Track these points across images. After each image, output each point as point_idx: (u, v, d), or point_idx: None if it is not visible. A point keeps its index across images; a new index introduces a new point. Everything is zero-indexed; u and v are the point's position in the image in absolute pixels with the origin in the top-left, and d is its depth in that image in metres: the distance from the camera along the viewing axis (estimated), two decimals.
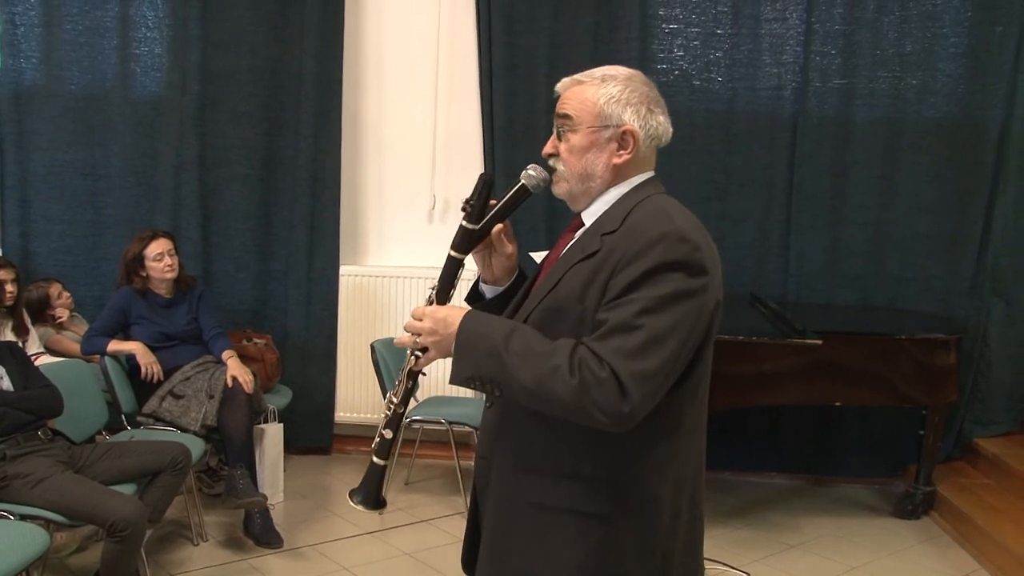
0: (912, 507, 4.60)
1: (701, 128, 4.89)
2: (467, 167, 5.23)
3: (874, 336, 4.42)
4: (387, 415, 1.85)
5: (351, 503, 1.89)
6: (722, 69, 4.95)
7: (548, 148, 1.80)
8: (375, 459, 1.86)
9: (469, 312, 1.71)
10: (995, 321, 4.87)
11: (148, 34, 5.20)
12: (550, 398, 1.57)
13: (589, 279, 1.64)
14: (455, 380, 1.68)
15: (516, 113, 5.04)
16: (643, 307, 1.56)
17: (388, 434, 1.84)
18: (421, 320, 1.73)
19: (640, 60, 4.82)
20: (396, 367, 4.62)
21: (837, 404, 4.59)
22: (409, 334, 1.76)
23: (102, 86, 5.22)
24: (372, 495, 1.88)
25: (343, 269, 5.26)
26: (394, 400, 1.84)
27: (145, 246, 4.34)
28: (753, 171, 4.98)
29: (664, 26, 4.96)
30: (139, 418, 4.20)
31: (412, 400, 4.95)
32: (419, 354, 1.78)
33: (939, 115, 4.85)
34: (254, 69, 5.17)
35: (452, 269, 1.85)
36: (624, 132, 1.72)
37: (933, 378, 4.41)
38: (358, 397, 5.29)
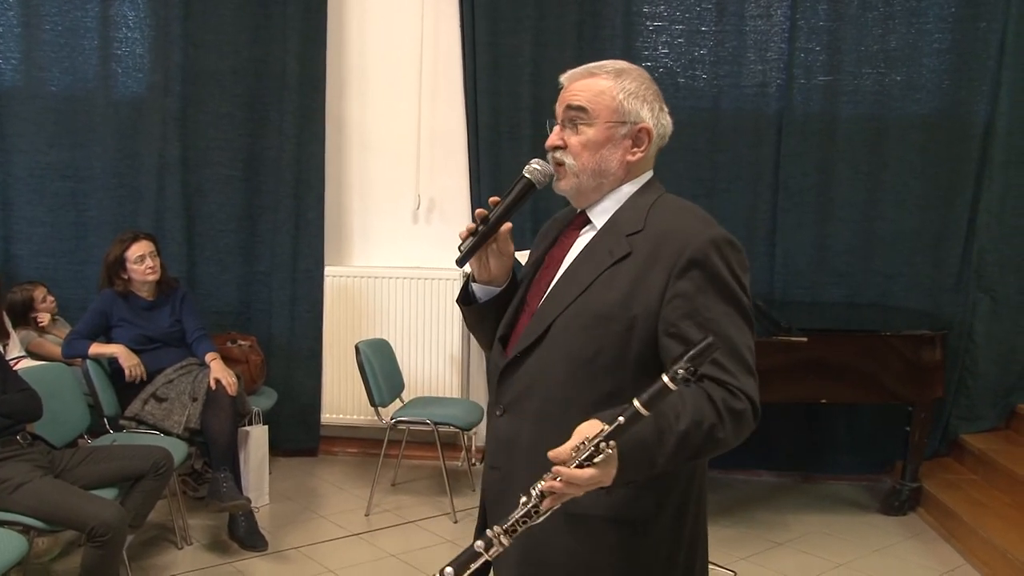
0: (899, 503, 4.60)
1: (686, 126, 4.87)
2: (452, 167, 5.22)
3: (860, 333, 4.43)
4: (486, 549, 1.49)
5: None
6: (707, 66, 4.94)
7: (555, 140, 1.73)
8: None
9: (623, 456, 1.45)
10: (981, 317, 4.87)
11: (129, 34, 5.17)
12: (704, 457, 1.60)
13: (633, 284, 1.61)
14: (610, 491, 1.52)
15: (501, 112, 5.03)
16: (731, 321, 1.59)
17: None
18: (571, 483, 1.43)
19: (624, 58, 4.71)
20: (381, 368, 4.59)
21: (823, 401, 4.59)
22: (556, 490, 1.44)
23: (83, 87, 5.19)
24: None
25: (328, 270, 5.24)
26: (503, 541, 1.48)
27: (126, 248, 4.31)
28: (738, 168, 4.98)
29: (648, 23, 4.95)
30: (122, 421, 4.18)
31: (399, 401, 4.88)
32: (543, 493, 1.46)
33: (924, 111, 4.84)
34: (237, 70, 5.14)
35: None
36: (640, 130, 1.70)
37: (919, 374, 4.41)
38: (344, 398, 5.25)
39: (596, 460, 1.40)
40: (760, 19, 4.90)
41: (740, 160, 4.97)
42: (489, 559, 1.47)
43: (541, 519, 1.47)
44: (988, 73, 4.74)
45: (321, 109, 5.15)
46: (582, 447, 1.41)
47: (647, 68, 1.79)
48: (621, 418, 1.39)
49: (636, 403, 1.38)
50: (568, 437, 1.56)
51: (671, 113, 1.79)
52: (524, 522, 1.46)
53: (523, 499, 1.45)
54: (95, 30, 5.15)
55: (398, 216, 5.32)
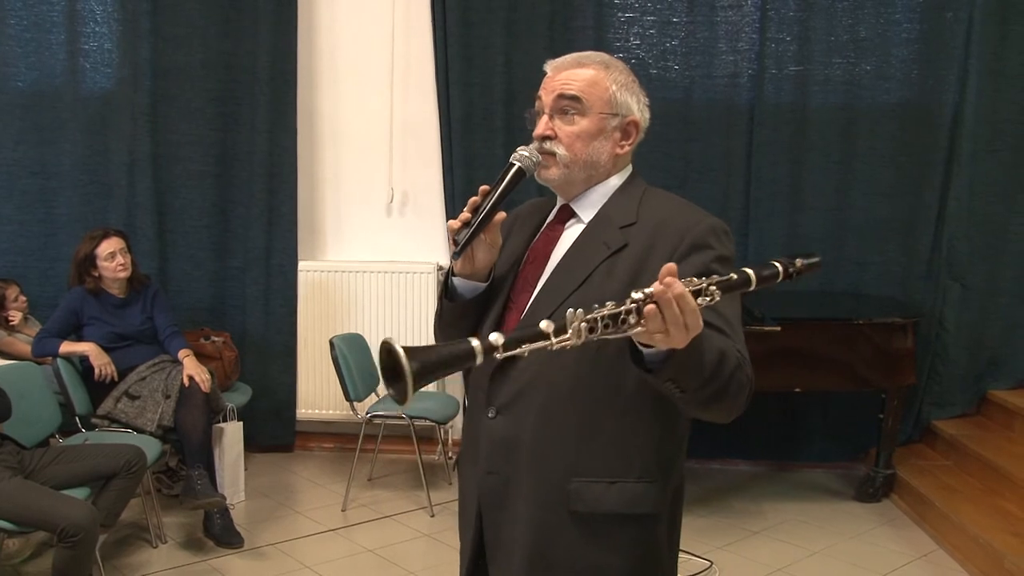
0: (873, 490, 4.64)
1: (658, 117, 4.78)
2: (425, 159, 5.20)
3: (833, 321, 4.46)
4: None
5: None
6: (678, 57, 4.95)
7: (545, 130, 1.67)
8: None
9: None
10: (951, 304, 4.92)
11: (97, 29, 5.11)
12: (726, 399, 1.49)
13: (633, 274, 1.59)
14: (653, 379, 1.41)
15: (473, 103, 5.02)
16: (726, 304, 1.51)
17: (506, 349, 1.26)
18: (680, 299, 1.29)
19: (596, 49, 4.77)
20: (356, 362, 4.57)
21: (797, 390, 4.62)
22: (664, 299, 1.29)
23: (50, 82, 5.13)
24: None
25: (301, 264, 5.21)
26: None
27: (96, 245, 4.26)
28: (711, 159, 4.99)
29: (620, 15, 4.96)
30: (94, 420, 4.14)
31: (375, 396, 4.85)
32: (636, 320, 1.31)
33: (893, 100, 4.88)
34: (207, 64, 5.09)
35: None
36: (629, 123, 1.70)
37: (891, 362, 4.46)
38: (319, 393, 5.23)
39: (699, 300, 1.31)
40: (731, 10, 4.92)
41: (712, 150, 4.98)
42: (551, 346, 1.26)
43: (621, 334, 1.30)
44: (956, 62, 4.78)
45: (292, 103, 5.12)
46: (690, 282, 1.31)
47: (619, 60, 1.78)
48: (734, 275, 1.34)
49: (749, 270, 1.33)
50: (572, 434, 1.58)
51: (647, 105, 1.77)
52: (608, 323, 1.28)
53: (610, 303, 1.29)
54: (62, 25, 5.09)
55: (371, 210, 5.29)
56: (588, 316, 1.27)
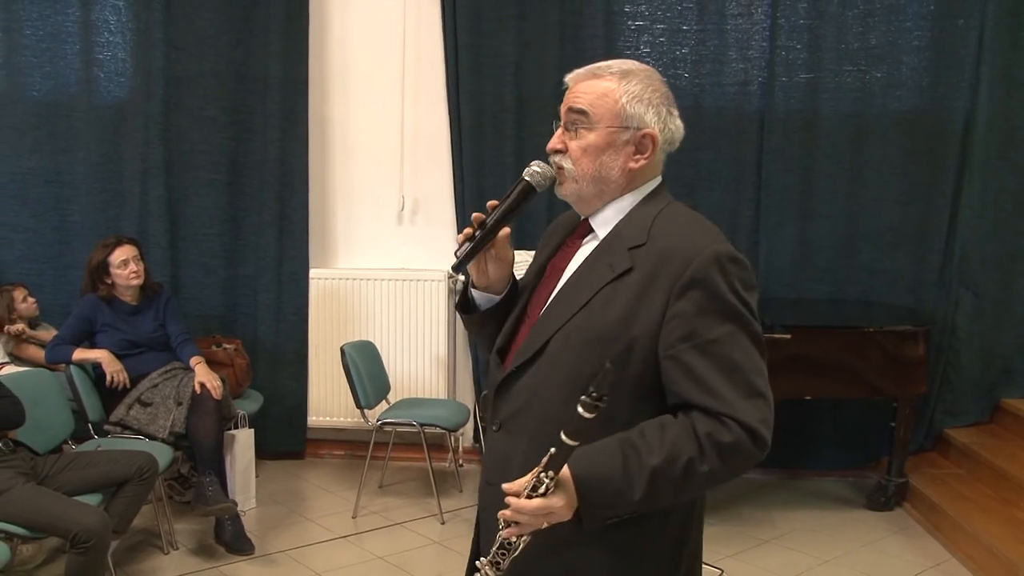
0: (885, 499, 4.62)
1: None
2: (435, 168, 5.21)
3: (843, 329, 4.45)
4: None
5: None
6: (688, 65, 4.96)
7: (556, 143, 1.65)
8: None
9: (580, 488, 1.48)
10: (963, 312, 4.90)
11: (111, 38, 5.16)
12: (694, 492, 1.57)
13: (633, 303, 1.54)
14: (590, 528, 1.52)
15: (483, 112, 5.03)
16: (734, 341, 1.51)
17: None
18: (520, 512, 1.47)
19: (606, 57, 4.76)
20: (367, 370, 4.59)
21: (808, 398, 4.61)
22: (508, 519, 1.50)
23: (65, 91, 5.17)
24: None
25: (313, 272, 5.23)
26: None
27: (109, 253, 4.29)
28: (721, 167, 4.99)
29: (630, 23, 4.97)
30: (106, 427, 4.16)
31: (385, 403, 4.87)
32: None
33: (904, 108, 4.87)
34: (219, 73, 5.13)
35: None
36: (644, 136, 1.62)
37: (903, 370, 4.44)
38: (330, 401, 5.25)
39: (540, 491, 1.44)
40: (741, 18, 4.92)
41: (722, 158, 4.98)
42: None
43: (518, 552, 1.50)
44: (967, 70, 4.77)
45: (304, 111, 5.15)
46: (527, 482, 1.46)
47: (648, 68, 1.72)
48: (553, 449, 1.41)
49: (562, 434, 1.39)
50: None
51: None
52: (502, 554, 1.50)
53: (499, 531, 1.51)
54: (76, 35, 5.14)
55: (382, 217, 5.31)
56: (489, 558, 1.52)
